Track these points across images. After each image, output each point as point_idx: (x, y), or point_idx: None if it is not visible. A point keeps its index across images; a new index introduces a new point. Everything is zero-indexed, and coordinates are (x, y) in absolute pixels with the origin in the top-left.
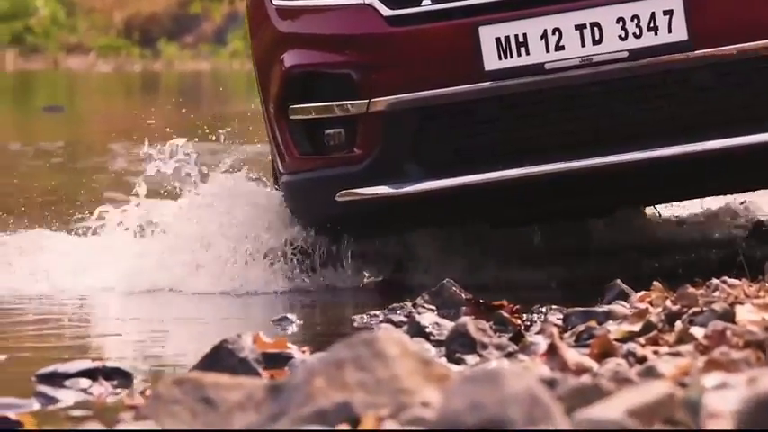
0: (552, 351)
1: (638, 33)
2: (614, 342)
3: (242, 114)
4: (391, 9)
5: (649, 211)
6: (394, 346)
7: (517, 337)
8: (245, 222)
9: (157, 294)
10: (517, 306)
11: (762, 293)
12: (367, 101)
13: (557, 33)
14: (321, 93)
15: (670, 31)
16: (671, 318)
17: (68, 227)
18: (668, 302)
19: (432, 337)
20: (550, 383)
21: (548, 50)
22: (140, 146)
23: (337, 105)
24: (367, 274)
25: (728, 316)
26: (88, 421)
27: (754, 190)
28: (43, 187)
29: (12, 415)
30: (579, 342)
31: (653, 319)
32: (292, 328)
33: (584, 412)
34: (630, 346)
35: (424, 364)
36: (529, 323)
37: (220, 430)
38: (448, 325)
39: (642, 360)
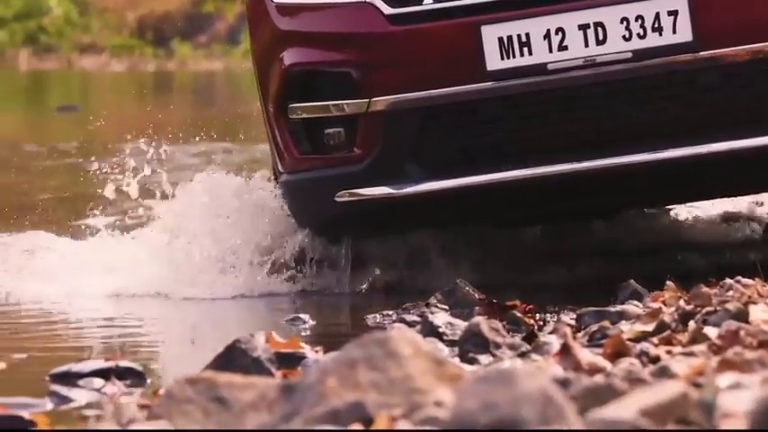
0: (565, 351)
1: (642, 34)
2: (627, 342)
3: (253, 114)
4: (393, 7)
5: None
6: (407, 346)
7: (530, 337)
8: (250, 223)
9: (169, 297)
10: (530, 306)
11: None
12: (367, 100)
13: (560, 33)
14: (321, 92)
15: (675, 32)
16: (684, 318)
17: (80, 228)
18: (682, 302)
19: (445, 337)
20: (563, 383)
21: (551, 50)
22: (153, 146)
23: (337, 104)
24: (375, 273)
25: (742, 316)
26: (101, 421)
27: (759, 192)
28: (55, 187)
29: (25, 415)
30: (592, 342)
31: (666, 318)
32: (305, 328)
33: (597, 412)
34: (644, 345)
35: (437, 363)
36: (542, 323)
37: (233, 430)
38: (461, 325)
39: (655, 360)
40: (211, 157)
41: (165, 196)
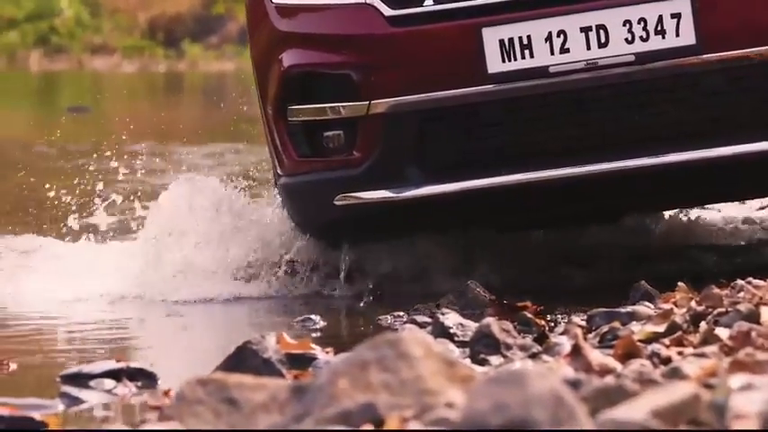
0: (576, 352)
1: (645, 37)
2: (638, 343)
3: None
4: (393, 9)
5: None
6: (418, 347)
7: (541, 338)
8: (257, 226)
9: (178, 300)
10: (541, 307)
11: None
12: (367, 102)
13: (561, 36)
14: (320, 94)
15: (678, 35)
16: (695, 319)
17: (88, 230)
18: (693, 303)
19: (456, 338)
20: (574, 384)
21: (552, 53)
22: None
23: (337, 107)
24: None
25: (753, 317)
26: (112, 422)
27: (764, 197)
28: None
29: (37, 416)
30: (603, 343)
31: (677, 319)
32: (316, 329)
33: (608, 413)
34: (655, 346)
35: (449, 364)
36: (553, 324)
37: (244, 431)
38: (472, 326)
39: (666, 361)
40: (222, 158)
41: (170, 198)
